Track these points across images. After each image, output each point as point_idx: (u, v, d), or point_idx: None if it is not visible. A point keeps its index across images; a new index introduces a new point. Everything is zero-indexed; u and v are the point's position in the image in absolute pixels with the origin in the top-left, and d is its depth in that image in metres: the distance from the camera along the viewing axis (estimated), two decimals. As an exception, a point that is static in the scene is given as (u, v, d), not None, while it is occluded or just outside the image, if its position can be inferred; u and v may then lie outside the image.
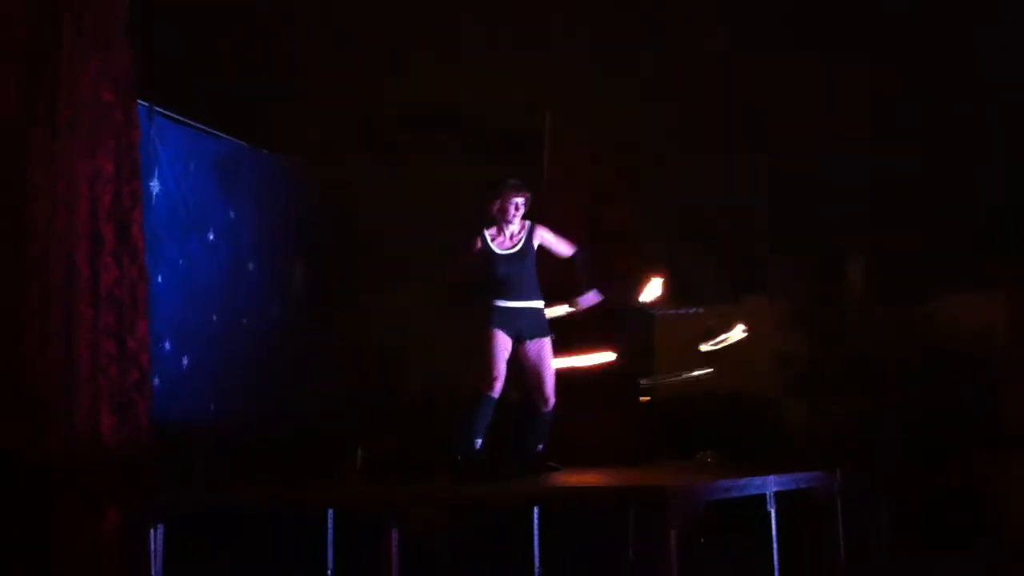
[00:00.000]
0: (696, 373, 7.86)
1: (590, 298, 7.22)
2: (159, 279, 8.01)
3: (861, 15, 10.16)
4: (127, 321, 6.46)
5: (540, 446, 7.07)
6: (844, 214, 11.11)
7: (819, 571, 6.87)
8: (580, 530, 7.98)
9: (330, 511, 7.27)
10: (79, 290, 6.28)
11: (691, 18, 10.11)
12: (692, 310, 8.12)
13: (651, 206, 10.94)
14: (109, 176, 6.51)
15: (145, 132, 7.59)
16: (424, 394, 9.90)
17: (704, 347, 7.28)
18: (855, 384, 10.89)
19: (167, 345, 8.26)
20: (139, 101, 7.11)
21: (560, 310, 7.30)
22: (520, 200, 7.13)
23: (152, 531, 6.04)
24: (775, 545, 6.27)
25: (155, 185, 8.26)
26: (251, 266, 9.34)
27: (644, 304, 7.48)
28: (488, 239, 7.16)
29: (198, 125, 8.75)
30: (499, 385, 6.96)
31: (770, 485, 6.20)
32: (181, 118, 8.52)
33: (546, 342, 7.11)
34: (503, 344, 6.99)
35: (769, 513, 6.21)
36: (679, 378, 8.08)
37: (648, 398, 10.64)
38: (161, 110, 8.24)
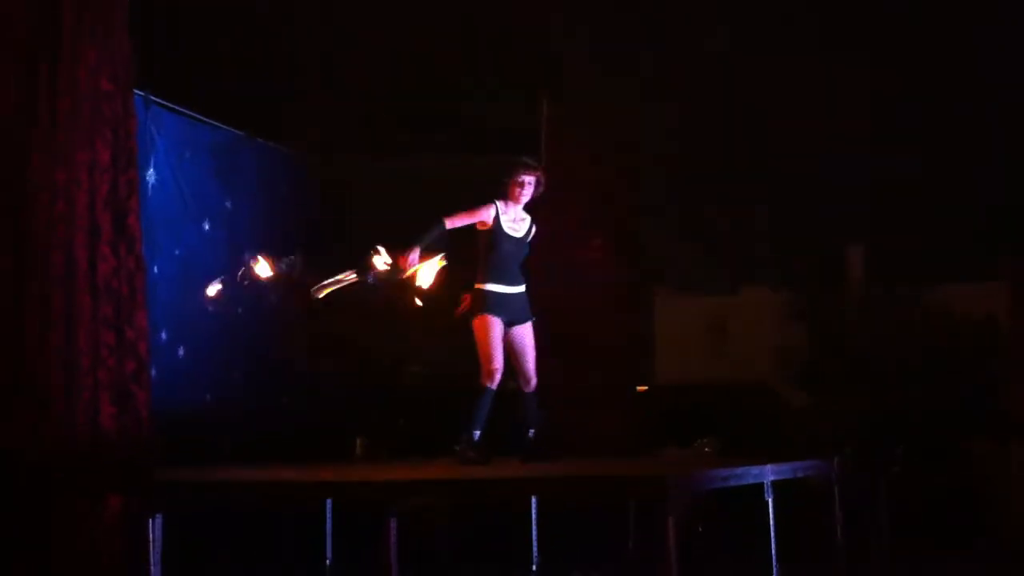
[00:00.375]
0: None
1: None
2: (155, 269, 8.00)
3: (861, 15, 10.18)
4: (125, 312, 6.45)
5: (531, 431, 7.06)
6: (844, 205, 11.13)
7: (817, 559, 6.88)
8: (579, 519, 7.99)
9: (328, 501, 7.27)
10: (78, 280, 6.28)
11: (691, 18, 10.13)
12: None
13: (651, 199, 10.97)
14: (106, 166, 6.50)
15: (142, 122, 7.58)
16: (422, 382, 9.90)
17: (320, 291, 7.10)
18: (855, 373, 10.90)
19: (163, 335, 8.25)
20: (136, 91, 7.10)
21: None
22: (529, 179, 7.12)
23: (151, 520, 6.03)
24: (773, 533, 6.26)
25: (152, 175, 8.24)
26: (247, 256, 9.33)
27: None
28: (500, 214, 7.14)
29: (195, 114, 8.73)
30: (499, 376, 6.99)
31: (768, 474, 6.20)
32: (178, 107, 8.50)
33: (530, 325, 7.17)
34: (499, 330, 7.02)
35: (767, 502, 6.20)
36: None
37: (646, 388, 10.65)
38: (157, 99, 8.22)
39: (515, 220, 7.18)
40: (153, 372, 6.81)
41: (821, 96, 10.69)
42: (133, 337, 6.45)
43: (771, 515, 6.22)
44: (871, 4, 10.23)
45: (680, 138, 10.89)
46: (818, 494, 6.94)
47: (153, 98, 8.14)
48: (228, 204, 9.13)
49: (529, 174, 7.15)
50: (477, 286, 7.09)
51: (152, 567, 6.02)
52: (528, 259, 7.24)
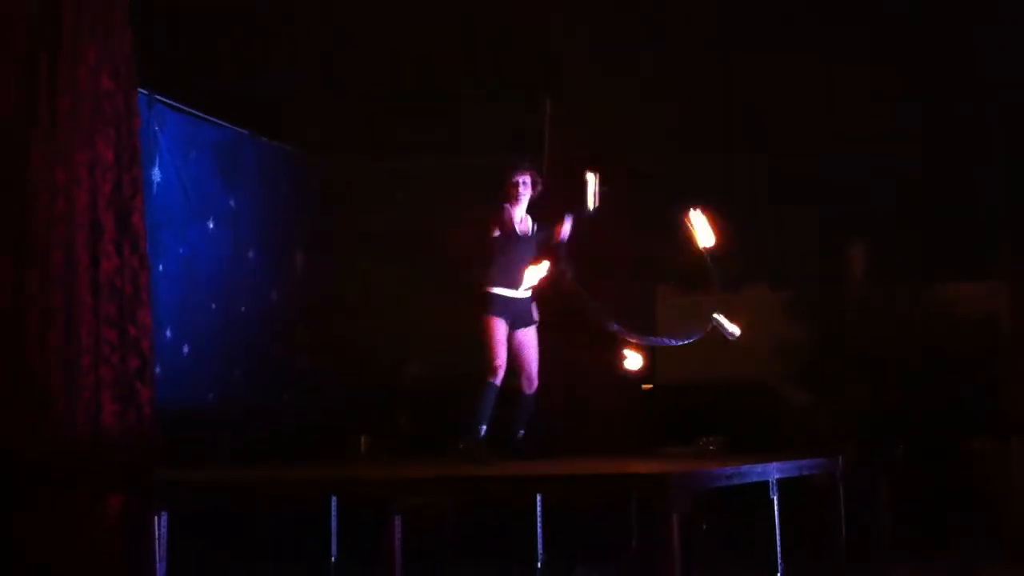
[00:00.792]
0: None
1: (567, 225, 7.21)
2: (160, 268, 8.01)
3: (861, 13, 10.18)
4: (128, 309, 6.44)
5: (520, 431, 7.10)
6: (845, 204, 11.13)
7: (819, 557, 6.88)
8: (582, 517, 7.99)
9: (333, 499, 7.28)
10: (79, 278, 6.26)
11: (691, 18, 10.13)
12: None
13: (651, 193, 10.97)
14: (109, 164, 6.49)
15: (145, 120, 7.58)
16: (424, 380, 9.92)
17: None
18: (856, 372, 10.90)
19: (168, 333, 8.26)
20: (139, 89, 7.10)
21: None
22: (522, 179, 7.16)
23: (156, 518, 6.04)
24: (777, 531, 6.27)
25: (156, 173, 8.25)
26: (251, 254, 9.34)
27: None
28: (511, 217, 7.20)
29: (198, 113, 8.74)
30: (502, 373, 7.04)
31: (772, 472, 6.20)
32: (181, 106, 8.51)
33: (534, 329, 7.23)
34: (504, 332, 7.08)
35: (772, 500, 6.20)
36: None
37: (650, 386, 10.65)
38: (162, 98, 8.22)
39: (520, 221, 7.22)
40: (157, 370, 6.81)
41: (821, 95, 10.69)
42: (136, 335, 6.44)
43: (776, 513, 6.22)
44: (871, 3, 10.24)
45: (680, 137, 10.89)
46: (821, 492, 6.95)
47: (157, 96, 8.14)
48: (231, 203, 9.14)
49: (522, 174, 7.19)
50: (484, 289, 7.11)
51: (157, 564, 6.02)
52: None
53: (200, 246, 8.75)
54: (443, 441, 8.12)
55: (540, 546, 7.12)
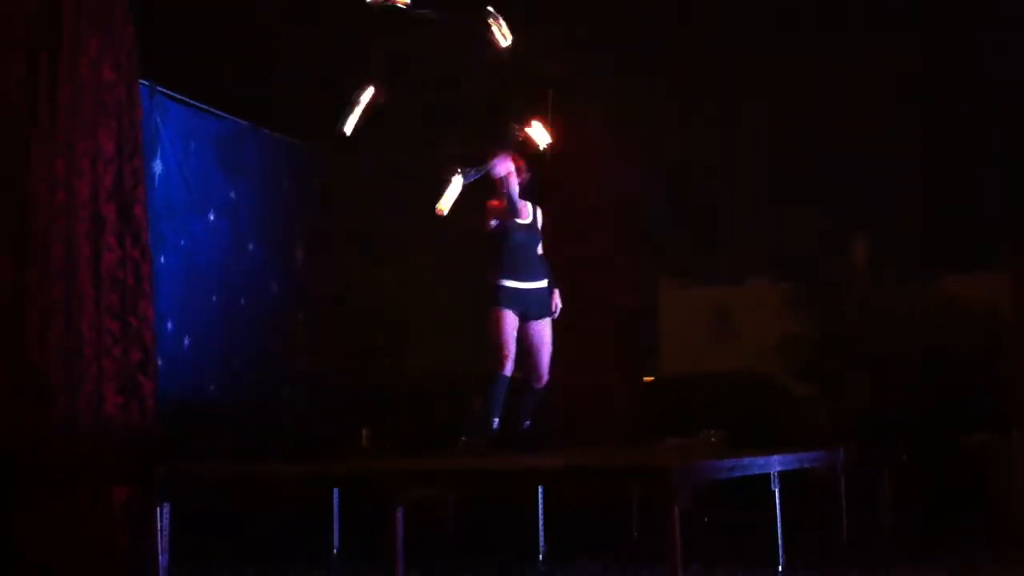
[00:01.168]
0: None
1: (558, 303, 7.17)
2: (161, 259, 8.01)
3: (861, 10, 10.17)
4: (130, 301, 6.43)
5: (527, 423, 7.06)
6: (847, 196, 11.12)
7: (821, 550, 6.88)
8: (584, 508, 8.00)
9: (335, 492, 7.28)
10: (80, 270, 6.25)
11: (691, 18, 10.12)
12: None
13: (652, 187, 10.97)
14: (110, 156, 6.47)
15: (147, 112, 7.57)
16: (428, 372, 9.92)
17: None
18: (858, 365, 10.90)
19: (169, 325, 8.27)
20: (141, 80, 7.08)
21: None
22: (505, 164, 7.07)
23: (159, 510, 6.04)
24: (778, 524, 6.26)
25: (157, 165, 8.25)
26: (251, 246, 9.34)
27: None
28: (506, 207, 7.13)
29: (200, 104, 8.73)
30: (511, 363, 6.97)
31: (774, 464, 6.19)
32: (183, 97, 8.50)
33: (548, 323, 7.11)
34: (512, 324, 6.99)
35: (773, 492, 6.20)
36: None
37: (652, 378, 10.67)
38: (163, 89, 8.21)
39: (519, 207, 7.12)
40: (159, 362, 6.81)
41: (823, 90, 10.68)
42: (139, 327, 6.43)
43: (777, 506, 6.21)
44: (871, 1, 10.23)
45: (683, 130, 10.89)
46: (823, 485, 6.94)
47: (158, 88, 8.13)
48: (232, 194, 9.14)
49: (504, 162, 7.08)
50: (488, 280, 7.04)
51: (160, 556, 6.02)
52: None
53: (201, 238, 8.76)
54: (445, 434, 8.13)
55: (541, 539, 7.11)
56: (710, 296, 11.88)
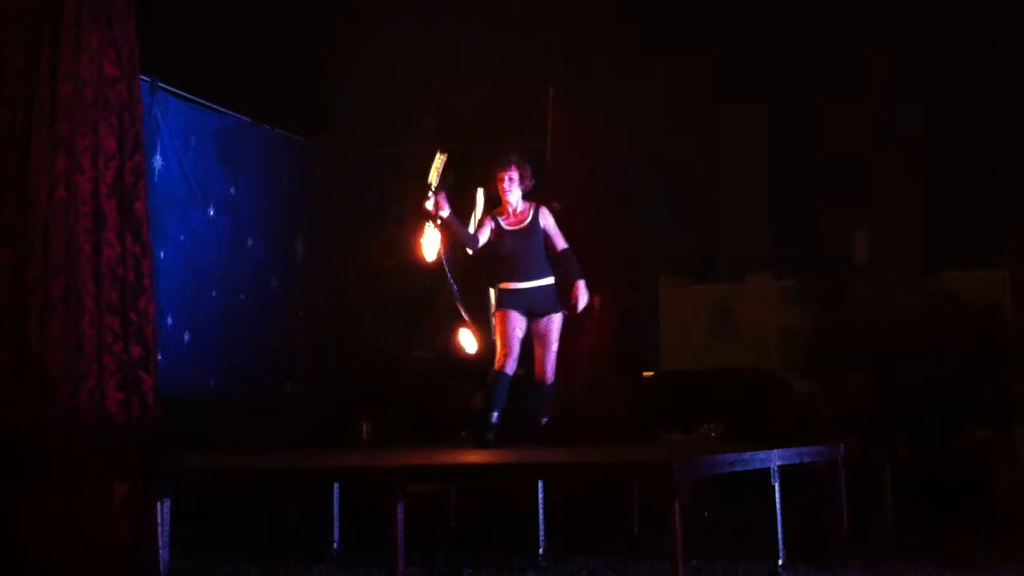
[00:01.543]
0: None
1: (582, 295, 7.18)
2: (161, 255, 8.01)
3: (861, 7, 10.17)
4: (131, 298, 6.42)
5: (544, 419, 7.11)
6: (850, 192, 11.15)
7: (822, 544, 6.89)
8: (584, 503, 8.00)
9: (336, 485, 7.29)
10: (80, 266, 6.25)
11: (690, 17, 10.13)
12: None
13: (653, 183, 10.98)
14: (111, 152, 6.46)
15: (147, 107, 7.57)
16: (426, 367, 9.92)
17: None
18: (859, 359, 10.91)
19: (169, 320, 8.27)
20: (142, 76, 7.08)
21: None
22: (507, 175, 7.12)
23: (159, 505, 6.05)
24: (778, 519, 6.26)
25: (158, 160, 8.25)
26: (251, 241, 9.34)
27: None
28: (498, 216, 7.21)
29: (201, 100, 8.73)
30: (510, 362, 7.06)
31: (774, 459, 6.20)
32: (184, 93, 8.50)
33: (554, 318, 7.16)
34: (515, 323, 7.08)
35: (773, 487, 6.20)
36: None
37: (652, 373, 10.68)
38: (164, 85, 8.21)
39: (512, 215, 7.19)
40: (159, 358, 6.81)
41: (826, 85, 10.70)
42: (139, 323, 6.42)
43: (777, 500, 6.21)
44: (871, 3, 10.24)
45: (684, 129, 10.92)
46: (823, 479, 6.95)
47: (160, 84, 8.13)
48: (232, 190, 9.14)
49: (503, 169, 7.14)
50: (490, 285, 7.20)
51: (160, 550, 6.03)
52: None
53: (201, 233, 8.76)
54: (445, 428, 8.14)
55: (542, 534, 7.12)
56: (710, 293, 11.89)
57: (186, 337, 8.51)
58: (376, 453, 7.36)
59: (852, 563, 6.48)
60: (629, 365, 10.19)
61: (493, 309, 7.19)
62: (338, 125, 10.23)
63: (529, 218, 7.17)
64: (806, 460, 6.61)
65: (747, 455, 6.04)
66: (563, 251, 7.20)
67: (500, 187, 7.16)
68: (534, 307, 7.11)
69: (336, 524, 7.39)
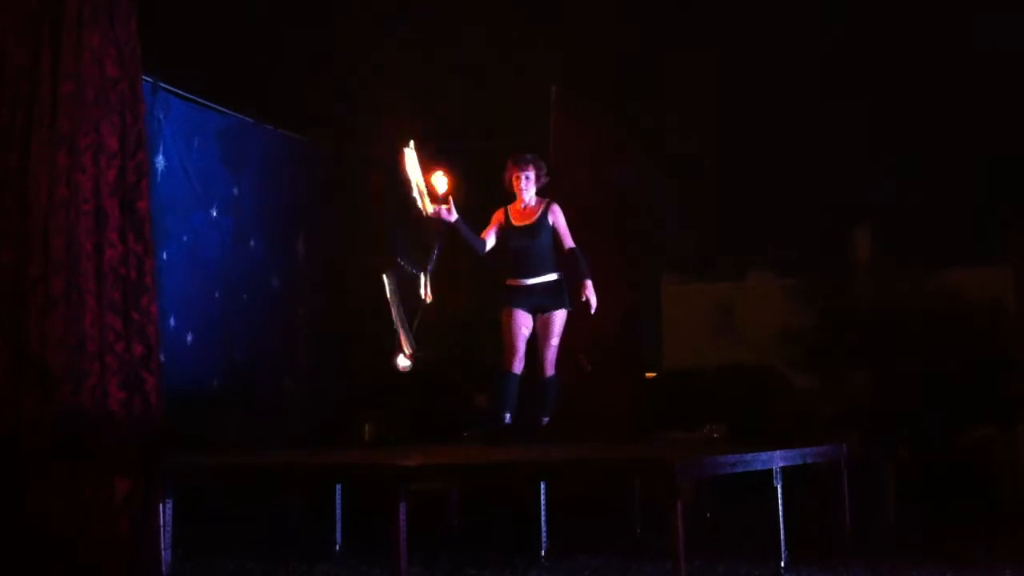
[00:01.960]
0: None
1: (590, 293, 7.18)
2: (164, 255, 8.02)
3: (860, 8, 10.19)
4: (133, 297, 6.43)
5: (545, 419, 7.13)
6: (851, 189, 11.15)
7: (824, 544, 6.88)
8: (586, 503, 8.00)
9: (338, 486, 7.29)
10: (81, 265, 6.25)
11: (690, 18, 10.15)
12: None
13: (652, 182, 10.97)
14: (113, 152, 6.47)
15: (150, 107, 7.57)
16: (430, 365, 9.91)
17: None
18: (861, 357, 10.91)
19: (172, 321, 8.27)
20: (144, 76, 7.07)
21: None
22: (524, 174, 7.18)
23: (161, 506, 6.05)
24: (781, 519, 6.26)
25: (160, 161, 8.25)
26: (253, 242, 9.34)
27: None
28: (508, 212, 7.25)
29: (202, 100, 8.73)
30: (517, 362, 7.13)
31: (776, 460, 6.20)
32: (186, 93, 8.50)
33: (557, 315, 7.21)
34: (521, 321, 7.15)
35: (776, 488, 6.20)
36: None
37: (654, 374, 10.67)
38: (166, 85, 8.21)
39: (523, 212, 7.23)
40: (162, 358, 6.81)
41: (826, 85, 10.70)
42: (142, 322, 6.43)
43: (779, 501, 6.21)
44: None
45: (685, 127, 10.93)
46: (826, 480, 6.95)
47: (162, 84, 8.13)
48: (235, 190, 9.14)
49: (520, 168, 7.18)
50: (504, 282, 7.25)
51: (163, 551, 6.03)
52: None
53: (203, 233, 8.76)
54: (448, 427, 8.13)
55: (544, 534, 7.11)
56: (712, 291, 11.89)
57: (189, 337, 8.51)
58: (378, 452, 7.36)
59: (854, 563, 6.48)
60: (630, 365, 10.19)
61: (499, 304, 7.21)
62: (338, 124, 10.23)
63: (539, 215, 7.23)
64: (808, 461, 6.61)
65: (749, 456, 6.04)
66: (570, 250, 7.22)
67: (517, 185, 7.22)
68: (539, 303, 7.18)
69: (338, 524, 7.39)
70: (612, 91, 10.35)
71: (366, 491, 7.12)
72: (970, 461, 9.67)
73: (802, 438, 7.87)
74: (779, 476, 6.17)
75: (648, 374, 10.63)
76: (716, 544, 7.12)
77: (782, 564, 6.30)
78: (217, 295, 8.90)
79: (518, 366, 7.11)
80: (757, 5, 10.16)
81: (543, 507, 7.10)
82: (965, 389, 10.40)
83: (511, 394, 7.08)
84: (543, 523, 7.11)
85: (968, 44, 10.08)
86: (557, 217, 7.23)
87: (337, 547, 7.39)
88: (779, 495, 6.19)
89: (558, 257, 7.23)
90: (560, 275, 7.23)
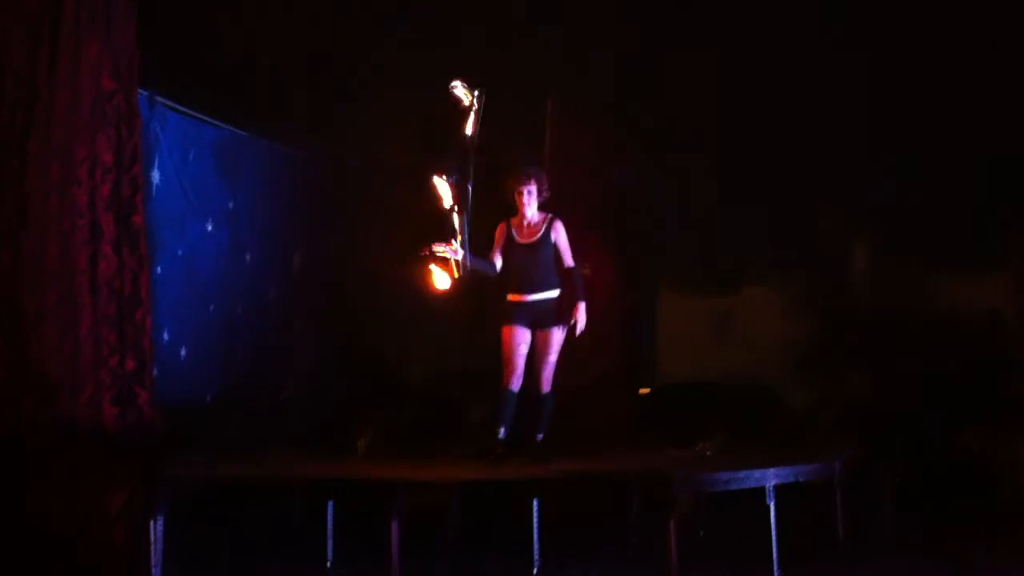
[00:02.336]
0: None
1: (580, 316, 7.19)
2: (158, 269, 8.00)
3: (860, 9, 10.18)
4: (127, 311, 6.44)
5: (540, 435, 7.12)
6: (848, 198, 11.13)
7: (819, 560, 6.89)
8: (581, 516, 7.98)
9: (330, 503, 7.27)
10: (76, 278, 6.26)
11: (689, 18, 10.14)
12: None
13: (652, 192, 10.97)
14: (108, 165, 6.48)
15: (146, 121, 7.57)
16: (423, 381, 9.92)
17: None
18: (859, 368, 10.89)
19: (166, 335, 8.26)
20: (140, 90, 7.08)
21: None
22: (526, 189, 7.18)
23: (152, 523, 6.05)
24: (774, 536, 6.27)
25: (156, 174, 8.25)
26: (249, 255, 9.34)
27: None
28: (511, 228, 7.26)
29: (199, 114, 8.73)
30: (515, 379, 7.12)
31: (770, 478, 6.21)
32: (181, 107, 8.50)
33: (555, 331, 7.21)
34: (519, 338, 7.15)
35: (768, 506, 6.21)
36: None
37: (648, 390, 10.65)
38: (162, 99, 8.22)
39: (525, 227, 7.24)
40: (155, 372, 6.81)
41: (822, 89, 10.68)
42: (136, 336, 6.44)
43: (772, 518, 6.22)
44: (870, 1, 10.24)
45: (680, 135, 10.92)
46: (819, 497, 6.95)
47: (158, 98, 8.14)
48: (230, 204, 9.14)
49: (524, 183, 7.20)
50: (505, 297, 7.27)
51: (153, 568, 6.03)
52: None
53: (199, 247, 8.75)
54: (442, 440, 8.12)
55: (536, 548, 7.10)
56: (709, 301, 11.87)
57: (183, 351, 8.50)
58: (372, 467, 7.34)
59: (849, 573, 6.49)
60: (629, 368, 10.19)
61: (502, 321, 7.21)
62: (336, 132, 10.23)
63: (542, 231, 7.24)
64: (801, 479, 6.61)
65: (743, 474, 6.06)
66: (568, 269, 7.24)
67: (520, 200, 7.21)
68: (537, 320, 7.18)
69: (330, 541, 7.34)
70: (612, 91, 10.34)
71: (360, 505, 7.10)
72: (970, 461, 9.65)
73: (799, 447, 7.88)
74: (772, 495, 6.17)
75: (642, 390, 10.61)
76: (711, 556, 7.11)
77: (775, 580, 6.31)
78: (212, 308, 8.89)
79: (516, 383, 7.11)
80: (757, 5, 10.15)
81: (535, 521, 7.08)
82: (965, 390, 10.38)
83: (509, 411, 7.06)
84: (535, 537, 7.09)
85: (968, 44, 10.07)
86: (559, 235, 7.25)
87: (328, 565, 7.34)
88: (772, 514, 6.20)
89: (559, 273, 7.23)
90: (561, 292, 7.23)
